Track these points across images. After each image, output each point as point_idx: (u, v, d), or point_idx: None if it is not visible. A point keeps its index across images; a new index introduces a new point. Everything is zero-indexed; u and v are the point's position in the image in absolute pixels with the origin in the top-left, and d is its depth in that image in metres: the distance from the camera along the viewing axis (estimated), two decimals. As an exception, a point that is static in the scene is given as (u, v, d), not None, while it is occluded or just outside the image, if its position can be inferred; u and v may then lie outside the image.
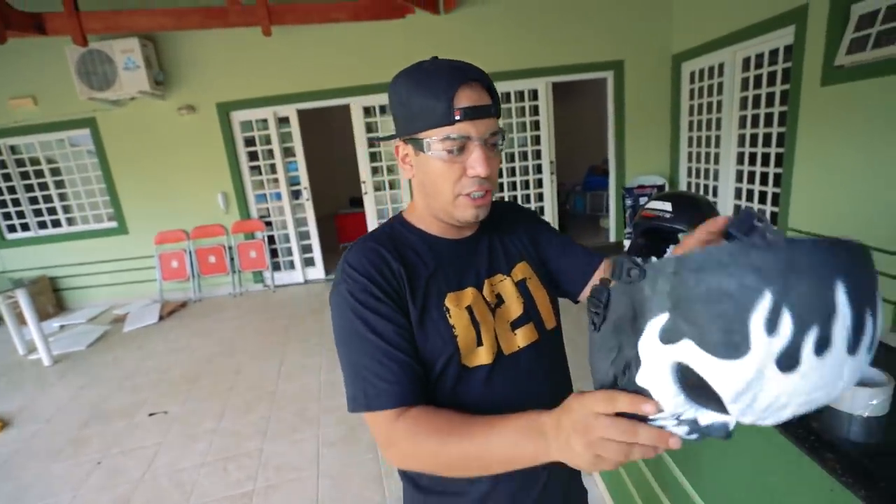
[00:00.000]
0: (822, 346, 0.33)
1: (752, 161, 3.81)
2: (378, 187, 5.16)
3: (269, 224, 5.17)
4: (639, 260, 0.41)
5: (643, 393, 0.41)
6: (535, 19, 4.60)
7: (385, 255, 0.69)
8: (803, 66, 3.12)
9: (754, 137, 3.76)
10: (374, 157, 5.06)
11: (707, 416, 0.41)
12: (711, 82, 4.16)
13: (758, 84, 3.67)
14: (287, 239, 5.23)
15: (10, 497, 2.20)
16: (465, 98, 0.62)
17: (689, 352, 0.36)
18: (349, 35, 4.55)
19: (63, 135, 4.81)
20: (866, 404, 0.63)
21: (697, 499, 1.05)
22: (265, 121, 4.87)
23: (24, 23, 3.51)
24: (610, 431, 0.41)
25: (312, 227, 5.25)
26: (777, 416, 0.37)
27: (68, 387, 3.28)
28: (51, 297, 5.06)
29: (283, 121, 4.92)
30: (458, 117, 0.61)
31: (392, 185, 5.17)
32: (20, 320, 3.90)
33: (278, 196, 5.10)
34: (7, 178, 4.95)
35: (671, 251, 0.69)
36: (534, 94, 4.89)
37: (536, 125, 4.97)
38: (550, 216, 5.18)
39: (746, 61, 3.76)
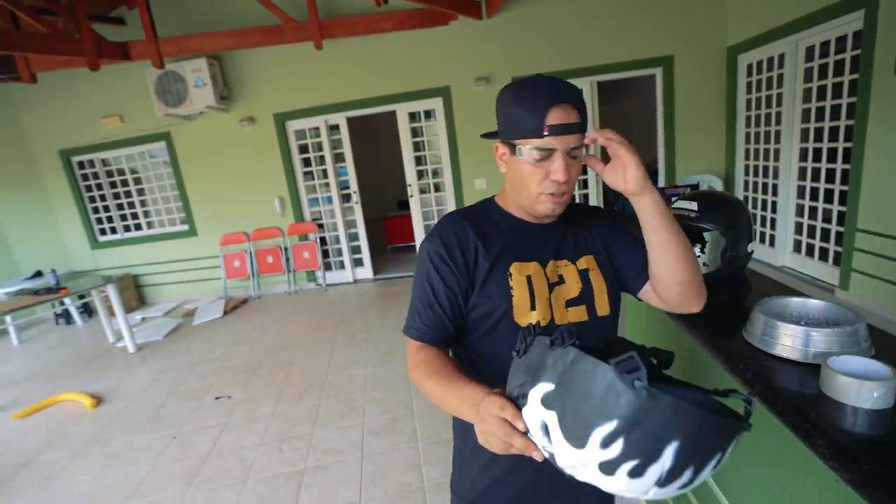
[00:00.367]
0: (635, 474, 0.44)
1: (817, 157, 3.57)
2: (423, 190, 5.32)
3: (321, 226, 5.47)
4: (564, 336, 0.52)
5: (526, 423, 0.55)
6: (579, 18, 4.56)
7: (466, 227, 0.84)
8: (874, 53, 2.91)
9: (819, 132, 3.52)
10: (419, 161, 5.22)
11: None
12: (771, 74, 3.94)
13: (823, 74, 3.44)
14: (338, 240, 5.51)
15: (105, 461, 2.54)
16: (555, 117, 0.73)
17: (551, 421, 0.48)
18: (395, 44, 4.74)
19: (143, 148, 5.36)
20: (870, 397, 0.65)
21: (723, 498, 1.07)
22: (317, 129, 5.17)
23: (113, 51, 3.98)
24: (494, 429, 0.56)
25: (361, 229, 5.49)
26: (604, 488, 0.49)
27: (149, 371, 3.68)
28: (134, 292, 5.64)
29: (334, 128, 5.20)
30: (546, 133, 0.73)
31: (437, 188, 5.30)
32: (110, 312, 4.42)
33: (329, 200, 5.39)
34: (99, 187, 5.59)
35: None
36: (578, 94, 4.84)
37: (581, 125, 4.91)
38: (596, 217, 5.09)
39: (810, 50, 3.53)
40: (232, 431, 2.67)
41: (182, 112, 4.78)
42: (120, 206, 5.67)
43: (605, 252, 0.89)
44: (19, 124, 5.31)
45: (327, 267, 5.53)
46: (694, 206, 1.16)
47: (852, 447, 0.57)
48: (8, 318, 4.79)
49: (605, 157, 0.80)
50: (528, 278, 0.81)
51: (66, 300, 5.14)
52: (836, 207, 3.42)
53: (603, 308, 0.85)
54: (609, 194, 5.58)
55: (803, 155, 3.71)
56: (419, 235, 5.45)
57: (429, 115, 5.07)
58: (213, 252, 5.49)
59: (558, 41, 4.63)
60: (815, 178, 3.60)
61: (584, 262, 0.86)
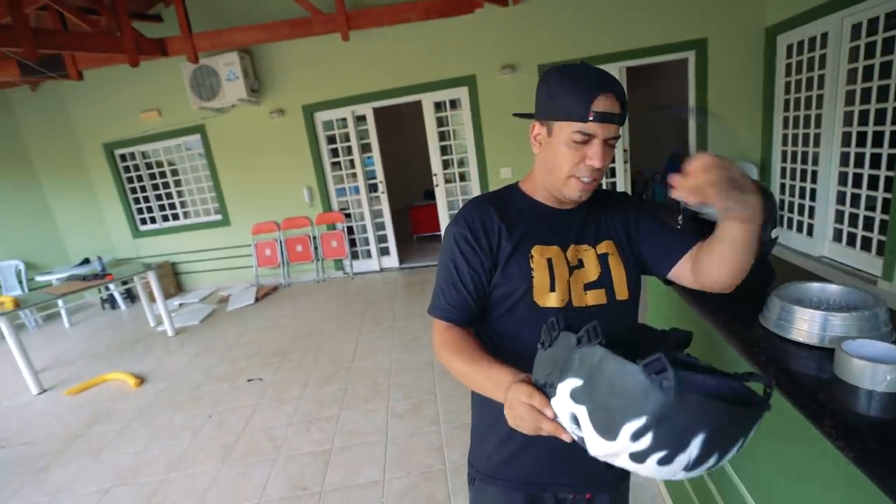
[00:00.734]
0: (664, 462, 0.47)
1: (861, 142, 3.39)
2: (449, 180, 5.34)
3: (348, 216, 5.58)
4: (591, 335, 0.54)
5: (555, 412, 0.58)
6: (607, 2, 4.44)
7: (491, 211, 0.87)
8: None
9: (864, 114, 3.33)
10: (444, 150, 5.23)
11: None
12: (812, 55, 3.74)
13: (870, 54, 3.24)
14: (364, 230, 5.61)
15: (147, 436, 2.71)
16: (601, 104, 0.74)
17: (581, 414, 0.51)
18: (420, 33, 4.75)
19: (180, 140, 5.59)
20: (883, 380, 0.64)
21: (737, 480, 1.07)
22: (344, 120, 5.25)
23: (151, 48, 4.15)
24: (524, 415, 0.60)
25: (388, 219, 5.57)
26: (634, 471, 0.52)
27: (186, 354, 3.89)
28: (172, 279, 5.93)
29: (361, 119, 5.27)
30: (591, 118, 0.75)
31: (462, 178, 5.31)
32: (150, 298, 4.66)
33: (356, 190, 5.49)
34: (139, 179, 5.87)
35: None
36: (606, 80, 4.72)
37: (609, 112, 4.80)
38: (623, 206, 4.99)
39: (856, 28, 3.33)
40: (263, 412, 2.80)
41: (215, 105, 4.95)
42: (158, 197, 5.94)
43: (627, 238, 0.89)
44: (68, 120, 5.62)
45: (354, 256, 5.65)
46: (715, 191, 1.14)
47: (860, 428, 0.57)
48: (60, 303, 5.13)
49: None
50: (549, 261, 0.83)
51: (111, 286, 5.46)
52: (880, 194, 3.24)
53: (622, 292, 0.86)
54: (638, 183, 5.45)
55: (846, 139, 3.52)
56: (444, 225, 5.49)
57: (454, 104, 5.07)
58: (245, 241, 5.70)
59: (585, 26, 4.53)
60: (859, 163, 3.42)
61: (603, 247, 0.87)
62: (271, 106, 5.19)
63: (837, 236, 3.73)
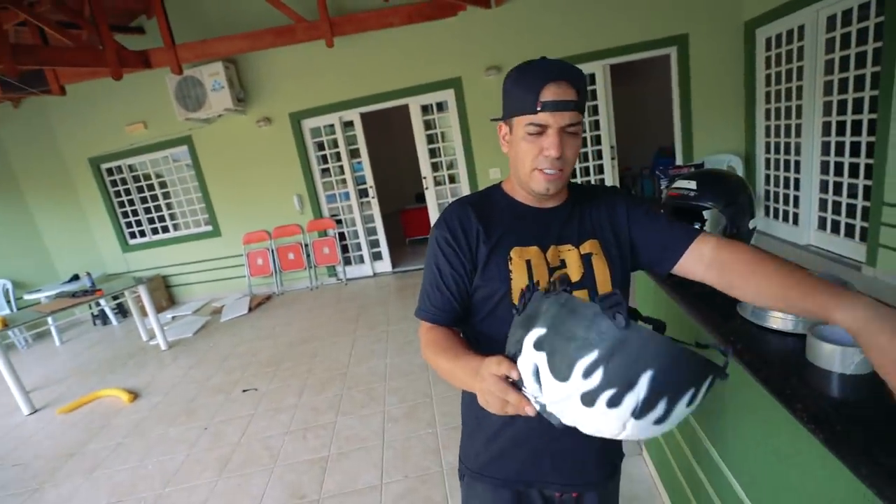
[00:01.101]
0: (613, 403, 0.47)
1: (841, 131, 3.44)
2: (439, 182, 5.35)
3: (339, 222, 5.57)
4: (557, 284, 0.58)
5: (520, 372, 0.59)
6: (589, 2, 4.49)
7: (469, 213, 0.87)
8: (899, 18, 2.78)
9: (842, 104, 3.39)
10: (433, 153, 5.25)
11: (550, 408, 0.56)
12: (791, 47, 3.80)
13: (845, 44, 3.30)
14: (356, 235, 5.60)
15: (142, 452, 2.69)
16: (550, 94, 0.75)
17: (541, 361, 0.53)
18: (404, 38, 4.76)
19: (167, 152, 5.56)
20: (851, 362, 0.66)
21: (725, 468, 1.09)
22: (332, 126, 5.25)
23: (134, 60, 4.13)
24: (491, 386, 0.59)
25: (379, 224, 5.57)
26: (585, 430, 0.54)
27: (180, 367, 3.86)
28: (164, 292, 5.88)
29: (348, 125, 5.27)
30: (539, 108, 0.75)
31: (452, 180, 5.33)
32: (142, 312, 4.63)
33: (347, 196, 5.49)
34: (127, 192, 5.83)
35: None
36: (591, 79, 4.77)
37: (595, 110, 4.85)
38: (612, 202, 5.03)
39: (831, 20, 3.40)
40: (259, 422, 2.79)
41: (202, 115, 4.93)
42: (147, 210, 5.90)
43: (614, 234, 0.87)
44: (52, 135, 5.57)
45: (347, 262, 5.64)
46: (693, 185, 1.17)
47: (828, 410, 0.58)
48: (50, 320, 5.07)
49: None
50: (528, 262, 0.83)
51: (102, 301, 5.41)
52: (861, 182, 3.29)
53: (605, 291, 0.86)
54: (627, 178, 5.50)
55: (826, 129, 3.58)
56: (435, 228, 5.49)
57: (441, 107, 5.09)
58: (237, 251, 5.67)
59: (568, 26, 4.58)
60: (840, 152, 3.48)
61: (587, 247, 0.85)
62: (258, 115, 5.18)
63: (822, 224, 3.79)
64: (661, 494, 1.74)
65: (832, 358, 0.67)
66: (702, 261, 0.79)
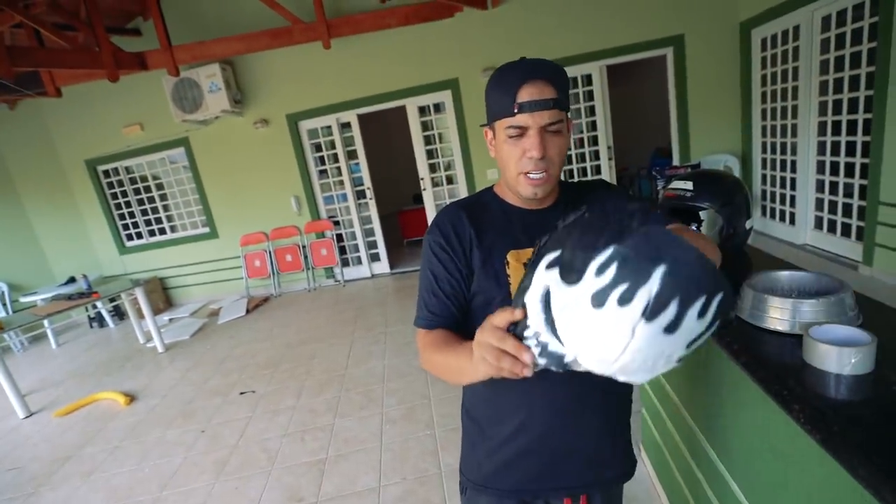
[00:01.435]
0: (624, 300, 0.43)
1: (836, 131, 3.46)
2: (436, 183, 5.35)
3: (337, 223, 5.56)
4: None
5: (527, 308, 0.54)
6: (585, 2, 4.50)
7: (462, 216, 0.86)
8: (894, 18, 2.79)
9: (838, 104, 3.41)
10: (430, 154, 5.25)
11: (553, 344, 0.52)
12: (786, 48, 3.82)
13: (840, 44, 3.32)
14: (354, 236, 5.60)
15: (139, 455, 2.68)
16: (526, 94, 0.73)
17: (554, 278, 0.49)
18: (402, 39, 4.76)
19: (164, 154, 5.54)
20: (847, 363, 0.66)
21: (723, 469, 1.09)
22: (329, 127, 5.25)
23: (131, 62, 4.12)
24: (488, 336, 0.56)
25: (377, 225, 5.57)
26: (588, 357, 0.49)
27: (177, 369, 3.84)
28: (161, 294, 5.86)
29: (346, 126, 5.27)
30: (516, 110, 0.74)
31: (450, 181, 5.33)
32: (139, 315, 4.61)
33: (344, 197, 5.48)
34: (124, 194, 5.81)
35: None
36: (587, 80, 4.78)
37: (592, 110, 4.87)
38: (610, 203, 5.04)
39: (826, 20, 3.41)
40: (257, 424, 2.78)
41: (198, 117, 4.92)
42: (144, 212, 5.88)
43: None
44: (49, 137, 5.55)
45: (345, 263, 5.63)
46: (689, 185, 1.17)
47: (825, 410, 0.58)
48: (46, 323, 5.05)
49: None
50: (525, 266, 0.83)
51: (98, 304, 5.38)
52: (857, 181, 3.31)
53: None
54: (624, 178, 5.51)
55: (822, 129, 3.60)
56: (433, 229, 5.49)
57: (438, 108, 5.09)
58: (235, 253, 5.66)
59: (565, 27, 4.58)
60: (835, 152, 3.49)
61: None
62: (255, 116, 5.18)
63: (818, 224, 3.80)
64: (659, 495, 1.74)
65: (829, 358, 0.67)
66: None
